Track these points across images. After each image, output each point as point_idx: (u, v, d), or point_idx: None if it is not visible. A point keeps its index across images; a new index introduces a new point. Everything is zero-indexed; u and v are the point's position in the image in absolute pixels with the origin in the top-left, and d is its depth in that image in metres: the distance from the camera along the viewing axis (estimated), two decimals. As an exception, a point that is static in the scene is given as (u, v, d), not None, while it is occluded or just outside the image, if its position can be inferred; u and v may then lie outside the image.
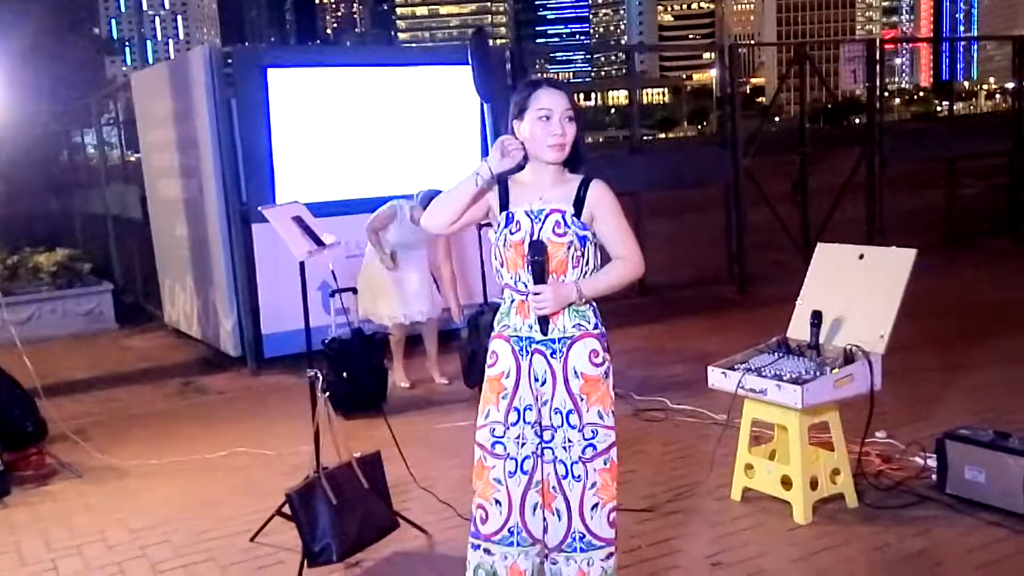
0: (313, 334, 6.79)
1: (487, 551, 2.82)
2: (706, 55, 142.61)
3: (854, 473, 4.06)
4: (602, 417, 2.71)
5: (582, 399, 2.70)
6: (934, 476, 4.13)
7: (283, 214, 3.65)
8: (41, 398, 5.25)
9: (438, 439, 5.32)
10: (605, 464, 2.72)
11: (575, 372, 2.70)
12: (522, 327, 2.74)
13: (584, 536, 2.73)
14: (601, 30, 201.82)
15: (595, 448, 2.71)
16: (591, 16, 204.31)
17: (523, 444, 2.75)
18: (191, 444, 5.43)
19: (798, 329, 4.19)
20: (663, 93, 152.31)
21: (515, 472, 2.76)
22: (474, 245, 6.47)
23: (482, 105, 7.41)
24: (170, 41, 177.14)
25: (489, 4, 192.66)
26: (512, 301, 2.79)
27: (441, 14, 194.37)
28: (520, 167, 2.76)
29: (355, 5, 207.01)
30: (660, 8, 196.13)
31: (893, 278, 3.96)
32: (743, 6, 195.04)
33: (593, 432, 2.71)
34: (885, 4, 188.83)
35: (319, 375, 3.84)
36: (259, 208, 3.73)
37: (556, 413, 2.72)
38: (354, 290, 6.08)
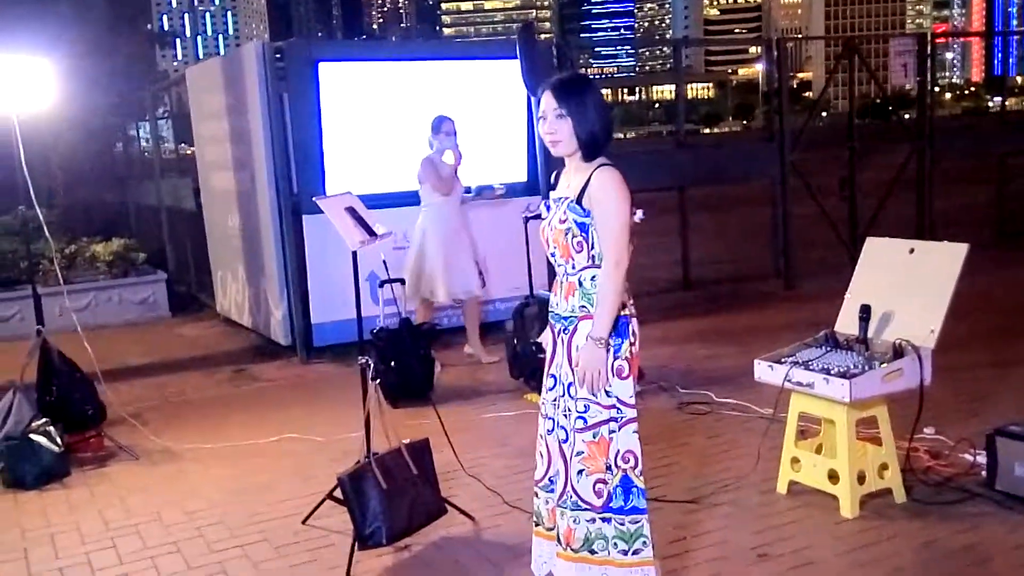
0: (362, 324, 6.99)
1: (536, 495, 3.14)
2: (752, 49, 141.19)
3: (902, 469, 4.04)
4: (595, 394, 2.87)
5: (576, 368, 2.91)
6: (983, 473, 4.10)
7: (336, 205, 3.73)
8: (100, 383, 5.41)
9: (484, 428, 5.39)
10: (594, 437, 2.89)
11: (577, 348, 2.89)
12: (555, 304, 3.01)
13: (572, 495, 2.92)
14: (646, 24, 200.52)
15: (585, 421, 2.89)
16: (636, 11, 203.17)
17: (558, 406, 2.99)
18: (243, 430, 5.56)
19: (846, 323, 4.18)
20: (708, 88, 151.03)
21: (553, 430, 3.01)
22: (520, 238, 6.51)
23: (528, 98, 7.47)
24: (220, 36, 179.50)
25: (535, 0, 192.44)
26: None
27: (486, 9, 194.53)
28: None
29: (401, 0, 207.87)
30: (706, 2, 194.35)
31: (944, 273, 3.94)
32: None
33: (585, 407, 2.90)
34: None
35: (370, 363, 3.91)
36: (313, 199, 3.81)
37: (553, 379, 3.01)
38: (403, 281, 6.17)
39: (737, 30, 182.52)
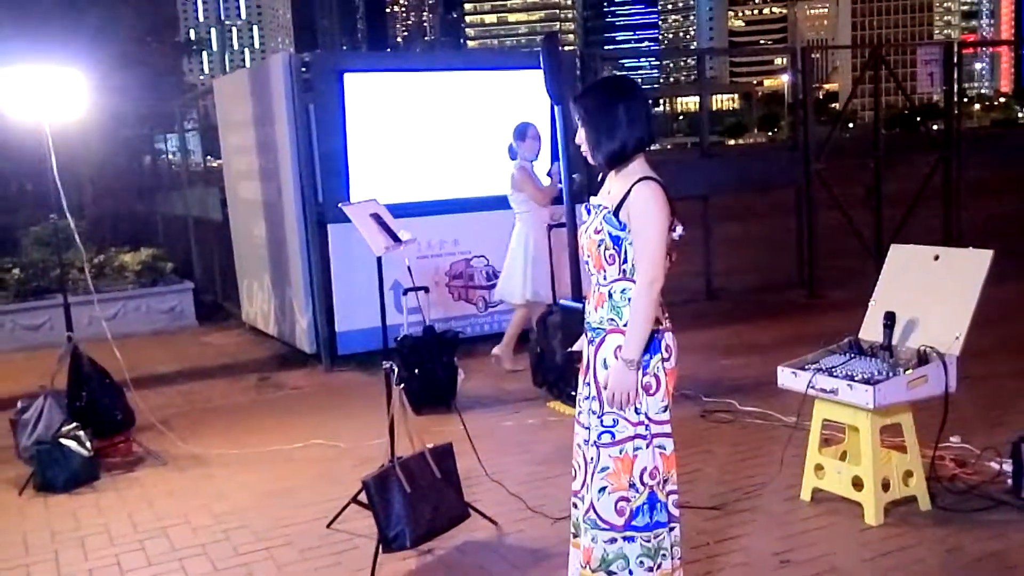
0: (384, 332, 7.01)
1: (575, 505, 3.05)
2: (778, 60, 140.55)
3: (927, 476, 4.02)
4: (623, 409, 2.80)
5: (605, 388, 2.83)
6: (1009, 481, 4.08)
7: (362, 211, 3.78)
8: (129, 389, 5.48)
9: (507, 434, 5.41)
10: (620, 453, 2.82)
11: (604, 363, 2.84)
12: (588, 313, 2.94)
13: (590, 512, 2.87)
14: (671, 36, 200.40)
15: (612, 436, 2.83)
16: (660, 22, 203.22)
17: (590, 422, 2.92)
18: (268, 436, 5.61)
19: (870, 330, 4.17)
20: (733, 99, 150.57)
21: (589, 440, 2.92)
22: (545, 247, 6.53)
23: (552, 108, 7.51)
24: (246, 50, 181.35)
25: (559, 12, 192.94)
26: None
27: (510, 21, 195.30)
28: None
29: (425, 13, 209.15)
30: (731, 13, 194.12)
31: (968, 279, 3.92)
32: (817, 10, 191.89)
33: (614, 421, 2.83)
34: (964, 8, 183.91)
35: (394, 368, 3.95)
36: (339, 205, 3.86)
37: (588, 387, 2.91)
38: (426, 289, 6.20)
39: (763, 41, 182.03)
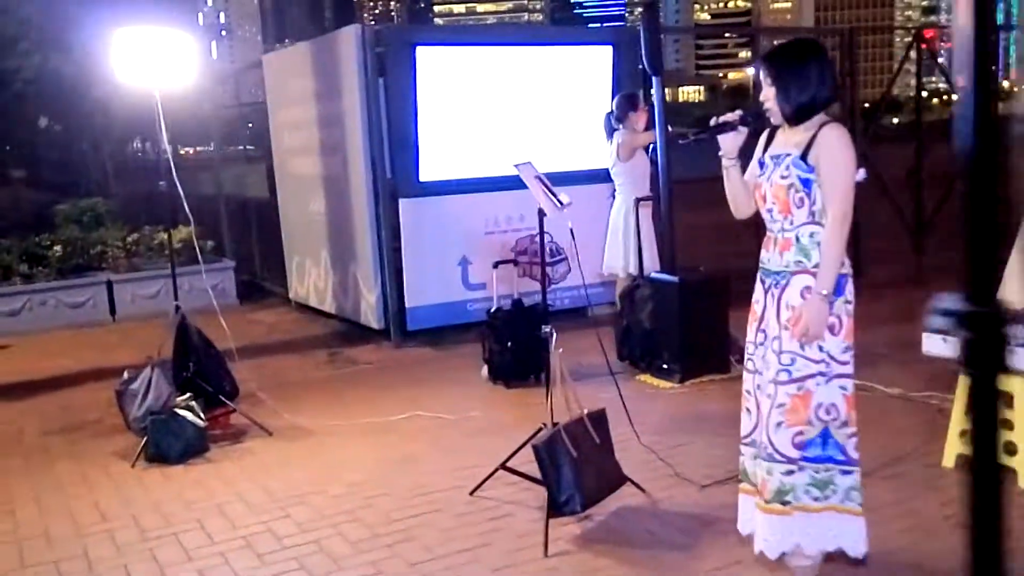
0: (452, 308, 6.94)
1: (742, 452, 3.19)
2: (743, 53, 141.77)
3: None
4: (803, 348, 2.90)
5: (786, 328, 2.93)
6: None
7: (530, 173, 3.73)
8: (234, 360, 5.39)
9: (609, 407, 5.36)
10: (798, 390, 2.92)
11: (787, 304, 2.94)
12: (767, 260, 3.03)
13: (767, 447, 2.96)
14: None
15: (789, 374, 2.92)
16: (627, 14, 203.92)
17: (767, 361, 3.02)
18: (363, 408, 5.55)
19: (1007, 295, 4.20)
20: (699, 91, 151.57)
21: (763, 385, 3.04)
22: (647, 217, 6.45)
23: (614, 84, 7.50)
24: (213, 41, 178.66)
25: (526, 3, 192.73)
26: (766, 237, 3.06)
27: (479, 12, 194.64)
28: (735, 127, 3.02)
29: (392, 3, 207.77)
30: (696, 6, 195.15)
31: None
32: (780, 4, 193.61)
33: (792, 359, 2.92)
34: (924, 4, 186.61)
35: (553, 332, 3.92)
36: (514, 164, 3.78)
37: (763, 333, 3.03)
38: (515, 262, 6.16)
39: (727, 34, 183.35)
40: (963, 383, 4.11)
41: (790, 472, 2.95)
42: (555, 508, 3.64)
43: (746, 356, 3.18)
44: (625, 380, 5.89)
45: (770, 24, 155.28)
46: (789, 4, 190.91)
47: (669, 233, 5.85)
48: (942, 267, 7.62)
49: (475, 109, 7.10)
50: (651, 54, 5.66)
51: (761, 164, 3.07)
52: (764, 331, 3.06)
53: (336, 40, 7.19)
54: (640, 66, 7.70)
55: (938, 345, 4.07)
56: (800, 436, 2.94)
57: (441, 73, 6.94)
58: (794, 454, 2.95)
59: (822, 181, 2.89)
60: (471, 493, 4.12)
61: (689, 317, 5.65)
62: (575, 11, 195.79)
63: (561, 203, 3.77)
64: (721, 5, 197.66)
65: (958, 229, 1.43)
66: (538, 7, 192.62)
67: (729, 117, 3.03)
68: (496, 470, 4.06)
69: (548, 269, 7.56)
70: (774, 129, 3.10)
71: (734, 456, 4.38)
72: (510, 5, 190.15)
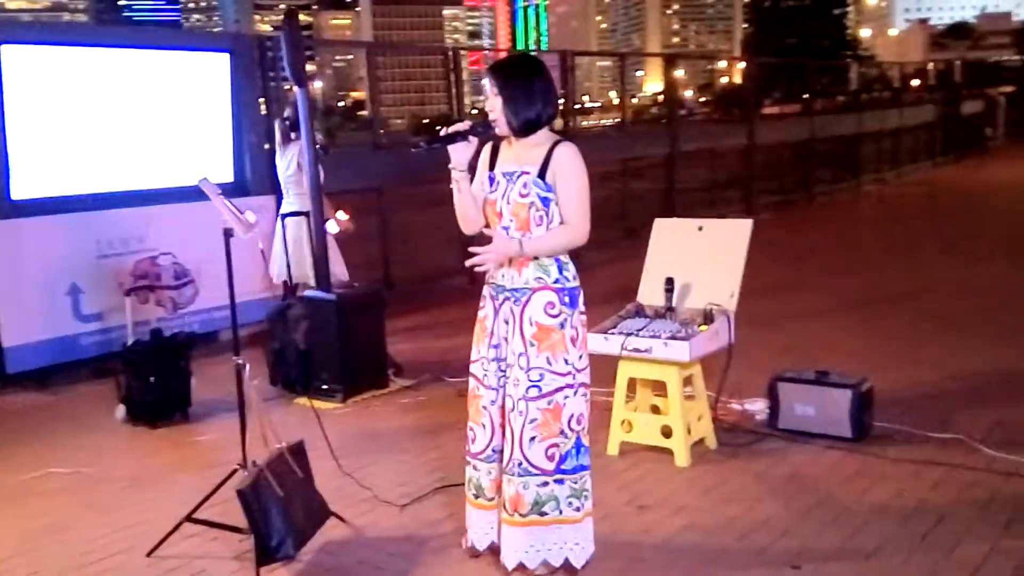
0: (63, 344, 6.12)
1: (474, 467, 3.23)
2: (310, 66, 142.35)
3: (712, 419, 4.62)
4: (550, 363, 3.03)
5: (532, 344, 3.04)
6: (757, 417, 4.85)
7: (213, 190, 3.36)
8: None
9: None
10: (548, 404, 3.05)
11: (530, 320, 3.04)
12: (501, 276, 3.09)
13: (521, 463, 3.06)
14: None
15: (539, 390, 3.03)
16: (183, 20, 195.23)
17: (500, 376, 3.13)
18: (-21, 472, 4.66)
19: (647, 296, 4.68)
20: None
21: (496, 400, 3.15)
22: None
23: (233, 93, 7.13)
24: None
25: (67, 2, 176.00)
26: None
27: (9, 8, 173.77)
28: (465, 137, 3.02)
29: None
30: (257, 17, 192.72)
31: (734, 245, 4.57)
32: (339, 20, 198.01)
33: (540, 375, 3.04)
34: (470, 28, 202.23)
35: (246, 364, 3.59)
36: (200, 181, 3.35)
37: (512, 354, 3.08)
38: (151, 287, 5.56)
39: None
40: (622, 377, 4.49)
41: (545, 484, 3.04)
42: (266, 555, 3.33)
43: (480, 371, 3.19)
44: (283, 406, 5.60)
45: (331, 39, 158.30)
46: (348, 20, 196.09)
47: (320, 248, 5.66)
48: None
49: (78, 118, 6.31)
50: (293, 64, 5.44)
51: (491, 179, 3.08)
52: (497, 346, 3.11)
53: None
54: (258, 75, 7.44)
55: (601, 344, 4.38)
56: (555, 449, 3.03)
57: (34, 76, 6.06)
58: (549, 467, 3.04)
59: (560, 199, 2.99)
60: (148, 554, 3.62)
61: (348, 335, 5.53)
62: (123, 13, 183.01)
63: (250, 223, 3.46)
64: (276, 18, 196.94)
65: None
66: (81, 7, 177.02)
67: (460, 127, 2.99)
68: (181, 523, 3.62)
69: (174, 293, 6.96)
70: (497, 142, 3.12)
71: (422, 471, 4.41)
72: (48, 3, 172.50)
